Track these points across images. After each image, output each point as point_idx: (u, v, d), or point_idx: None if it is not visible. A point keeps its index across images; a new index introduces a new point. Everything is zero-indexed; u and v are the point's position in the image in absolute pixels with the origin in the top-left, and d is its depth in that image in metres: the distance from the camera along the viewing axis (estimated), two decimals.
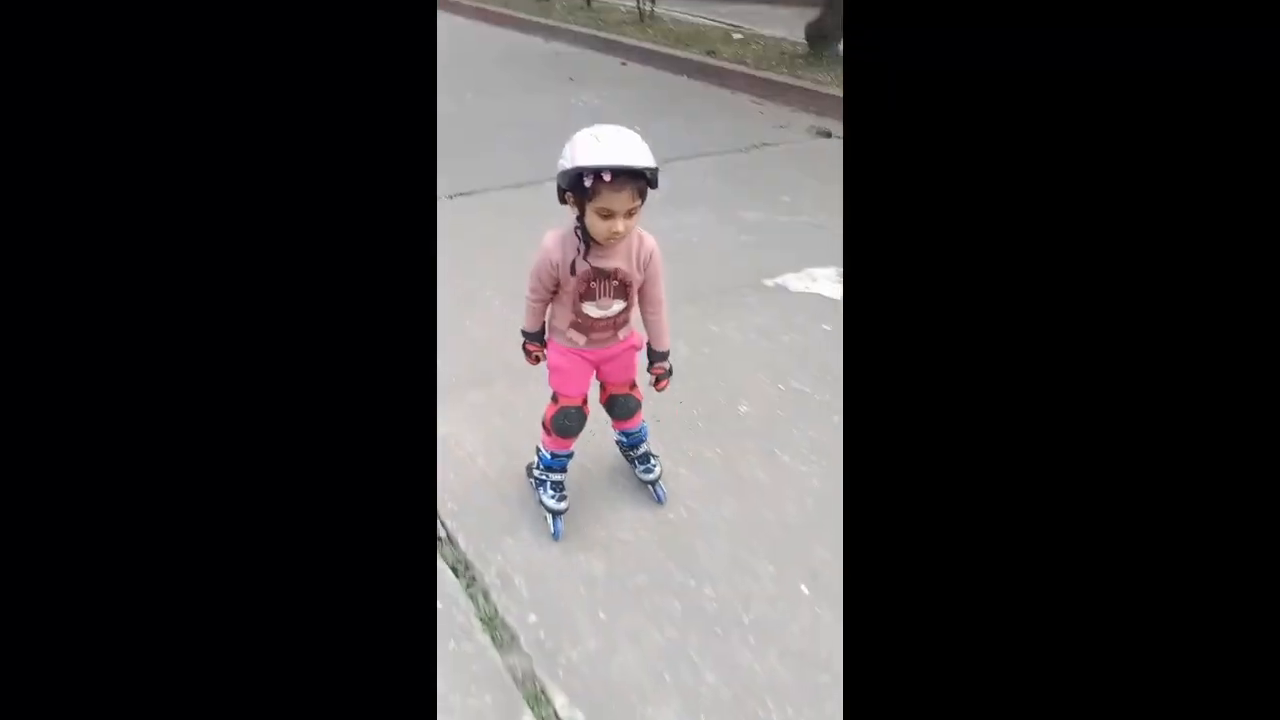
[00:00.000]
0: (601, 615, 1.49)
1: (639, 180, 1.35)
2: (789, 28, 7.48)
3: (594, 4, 9.25)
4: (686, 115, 5.37)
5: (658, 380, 1.66)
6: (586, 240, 1.44)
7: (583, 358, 1.61)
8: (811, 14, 6.92)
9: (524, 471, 1.83)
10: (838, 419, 2.10)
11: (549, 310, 1.59)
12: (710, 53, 6.96)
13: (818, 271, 2.98)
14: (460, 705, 1.31)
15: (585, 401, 1.67)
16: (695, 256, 3.04)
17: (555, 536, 1.67)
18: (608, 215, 1.37)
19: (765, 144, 4.67)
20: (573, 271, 1.47)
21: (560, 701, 1.33)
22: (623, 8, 8.93)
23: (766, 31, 7.88)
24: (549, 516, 1.69)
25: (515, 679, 1.36)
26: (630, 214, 1.38)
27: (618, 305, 1.54)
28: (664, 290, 1.58)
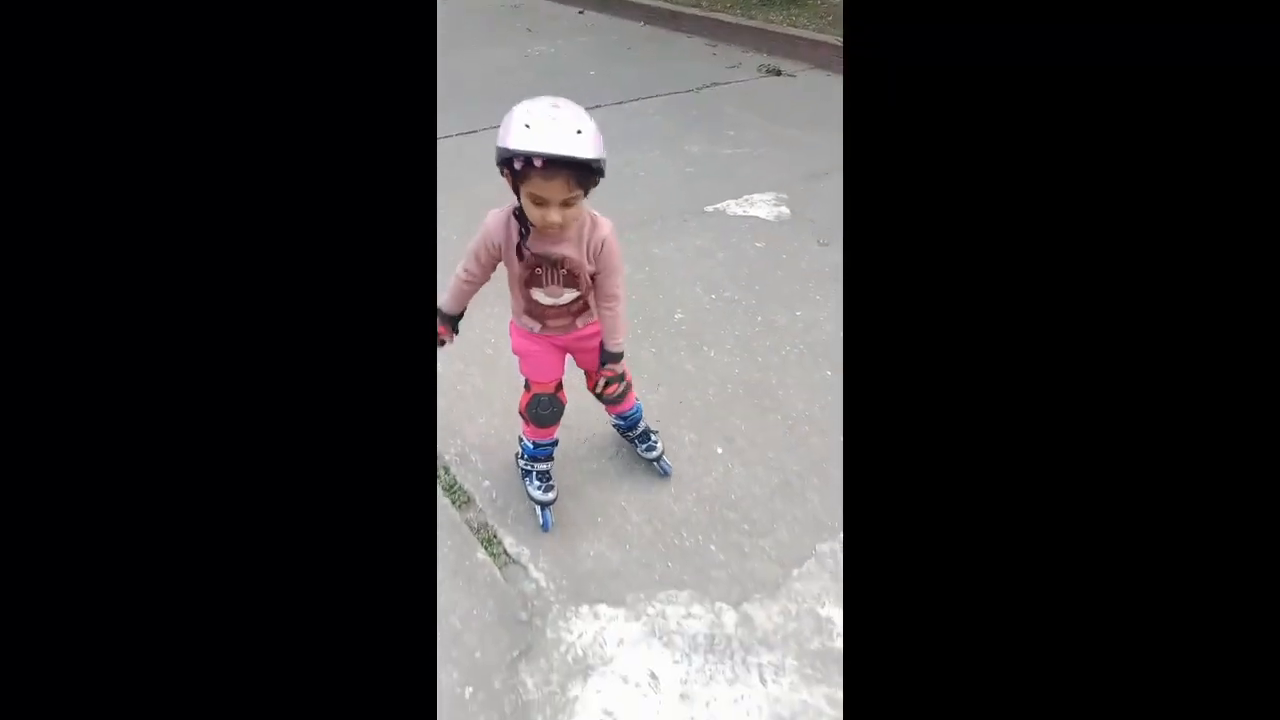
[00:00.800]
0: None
1: (578, 170, 1.20)
2: None
3: None
4: (641, 59, 5.50)
5: (606, 384, 1.52)
6: (526, 225, 1.33)
7: (549, 344, 1.51)
8: None
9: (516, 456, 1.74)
10: (761, 318, 2.35)
11: (510, 293, 1.47)
12: None
13: (756, 197, 3.20)
14: None
15: (559, 387, 1.55)
16: (641, 189, 3.25)
17: (544, 528, 1.61)
18: (540, 203, 1.25)
19: (715, 83, 4.83)
20: (520, 256, 1.36)
21: (509, 542, 1.59)
22: None
23: None
24: (537, 509, 1.63)
25: (471, 529, 1.62)
26: (567, 204, 1.25)
27: (569, 294, 1.42)
28: (622, 285, 1.43)
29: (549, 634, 1.40)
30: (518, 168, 1.19)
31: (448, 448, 1.84)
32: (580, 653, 1.37)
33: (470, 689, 1.31)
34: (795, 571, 1.52)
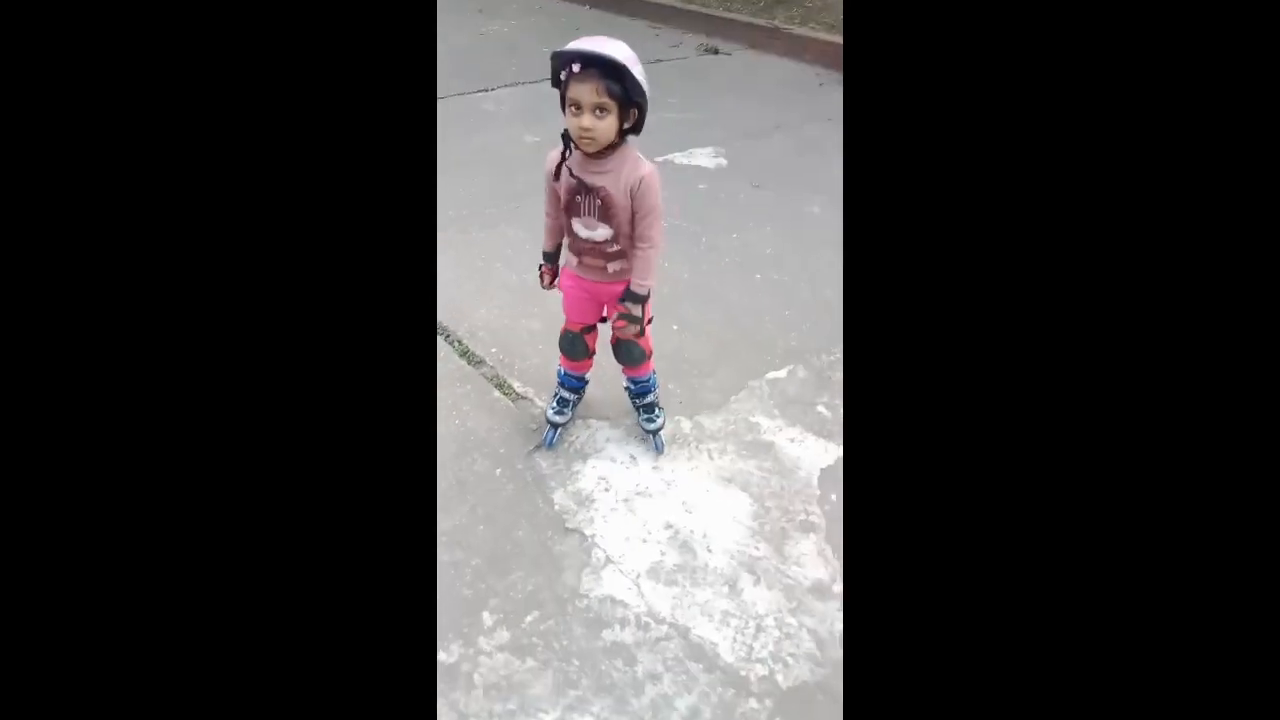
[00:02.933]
0: (540, 346, 2.22)
1: (606, 78, 1.34)
2: None
3: None
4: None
5: (619, 318, 1.59)
6: (568, 144, 1.46)
7: (582, 287, 1.64)
8: None
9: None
10: (705, 240, 2.88)
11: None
12: None
13: (697, 151, 3.73)
14: (450, 395, 2.03)
15: (587, 330, 1.72)
16: None
17: (547, 444, 1.83)
18: (576, 110, 1.37)
19: (659, 60, 5.34)
20: (556, 177, 1.50)
21: (517, 385, 2.07)
22: None
23: None
24: (547, 416, 1.86)
25: (486, 379, 2.10)
26: (599, 110, 1.36)
27: (603, 230, 1.51)
28: (659, 231, 1.52)
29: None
30: (563, 78, 1.37)
31: (459, 326, 2.30)
32: (580, 447, 1.87)
33: (499, 470, 1.79)
34: (732, 398, 2.06)
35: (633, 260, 1.55)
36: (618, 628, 1.45)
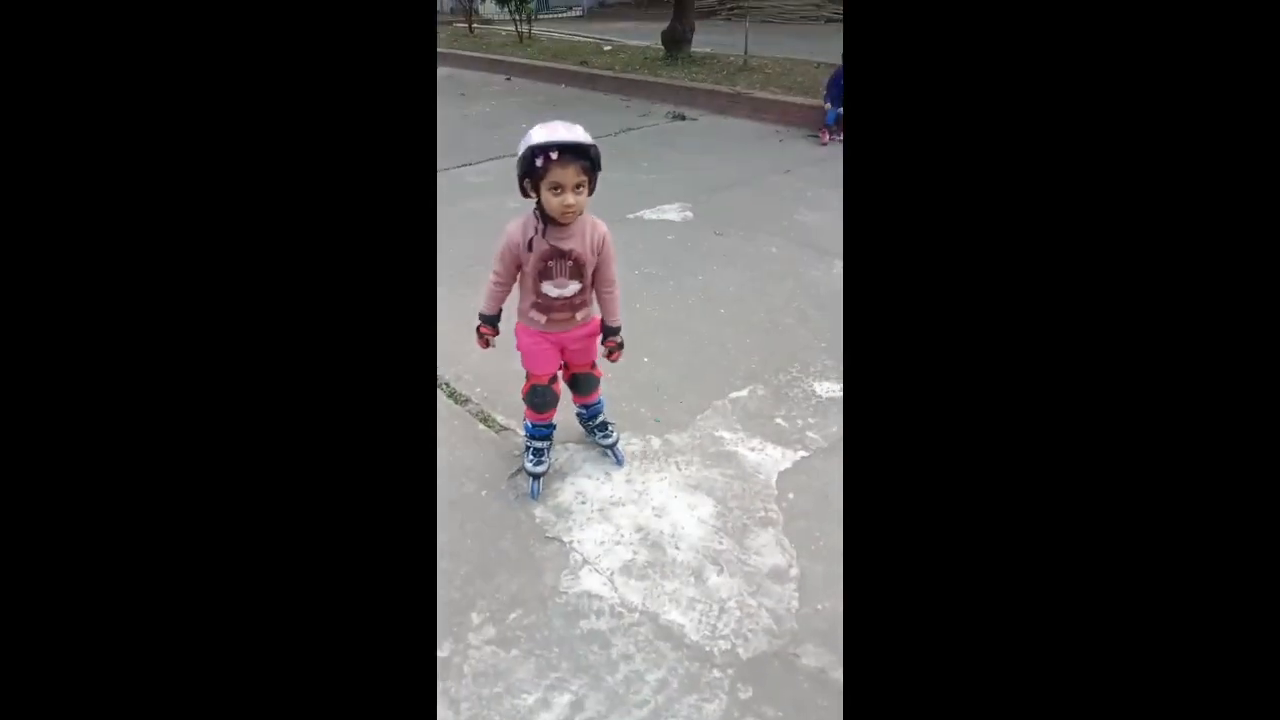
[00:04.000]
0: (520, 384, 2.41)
1: (582, 158, 1.56)
2: (651, 38, 8.59)
3: (476, 31, 10.16)
4: (564, 115, 6.37)
5: (610, 353, 1.87)
6: (545, 219, 1.64)
7: (547, 339, 1.81)
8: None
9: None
10: (673, 283, 3.12)
11: (518, 296, 1.78)
12: (583, 63, 8.00)
13: (666, 207, 4.01)
14: (441, 430, 2.21)
15: (554, 380, 1.88)
16: None
17: (532, 495, 1.92)
18: (559, 189, 1.56)
19: (630, 128, 5.73)
20: (530, 248, 1.66)
21: (500, 419, 2.25)
22: (503, 32, 9.87)
23: (632, 42, 8.98)
24: (528, 479, 1.94)
25: (471, 415, 2.28)
26: (579, 188, 1.57)
27: (573, 286, 1.72)
28: (616, 273, 1.78)
29: None
30: (539, 164, 1.54)
31: (447, 370, 2.50)
32: (559, 467, 2.04)
33: (484, 491, 1.96)
34: (698, 416, 2.24)
35: (604, 302, 1.80)
36: (594, 618, 1.59)
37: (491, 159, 4.88)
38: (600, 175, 1.67)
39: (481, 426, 2.23)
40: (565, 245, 1.68)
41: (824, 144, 5.40)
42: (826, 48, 7.27)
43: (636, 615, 1.59)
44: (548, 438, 1.96)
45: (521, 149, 1.58)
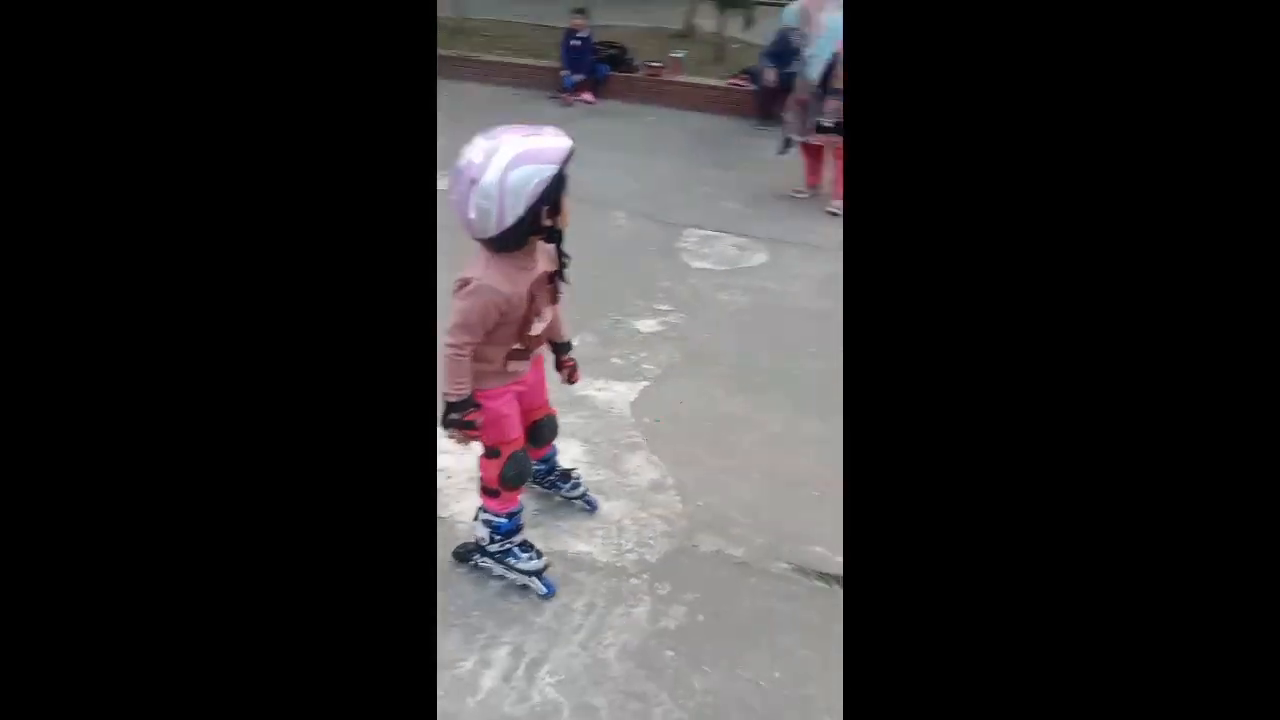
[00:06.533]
0: None
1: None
2: None
3: None
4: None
5: (571, 374, 1.60)
6: (558, 240, 1.37)
7: (511, 391, 1.49)
8: None
9: (456, 557, 1.64)
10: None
11: (490, 361, 1.42)
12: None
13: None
14: None
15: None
16: None
17: (549, 593, 1.56)
18: (563, 205, 1.33)
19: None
20: (528, 292, 1.37)
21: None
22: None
23: None
24: (531, 579, 1.57)
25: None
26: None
27: (549, 310, 1.45)
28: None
29: None
30: (565, 175, 1.28)
31: None
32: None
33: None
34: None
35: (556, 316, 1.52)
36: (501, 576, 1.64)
37: None
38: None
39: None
40: (545, 267, 1.41)
41: (569, 105, 5.56)
42: (542, 11, 7.35)
43: (545, 559, 1.68)
44: (521, 525, 1.58)
45: (525, 182, 1.25)
